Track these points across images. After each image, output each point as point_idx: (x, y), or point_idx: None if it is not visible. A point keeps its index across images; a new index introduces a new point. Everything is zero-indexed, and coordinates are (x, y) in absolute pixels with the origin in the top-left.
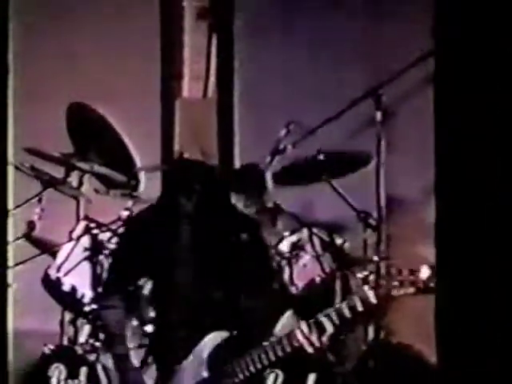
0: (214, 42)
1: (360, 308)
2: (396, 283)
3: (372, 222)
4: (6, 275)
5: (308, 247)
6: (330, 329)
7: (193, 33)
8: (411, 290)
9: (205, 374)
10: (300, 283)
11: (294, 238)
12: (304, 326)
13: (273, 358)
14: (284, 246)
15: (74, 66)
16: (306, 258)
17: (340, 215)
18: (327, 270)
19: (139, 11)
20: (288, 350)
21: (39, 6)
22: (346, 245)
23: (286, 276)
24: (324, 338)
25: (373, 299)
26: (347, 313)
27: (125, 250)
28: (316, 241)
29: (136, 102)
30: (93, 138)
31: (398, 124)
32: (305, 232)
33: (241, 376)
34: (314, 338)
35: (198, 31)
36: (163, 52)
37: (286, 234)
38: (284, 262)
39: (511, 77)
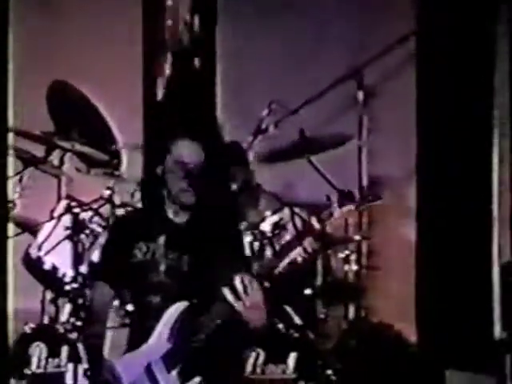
0: (197, 20)
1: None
2: (335, 205)
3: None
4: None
5: (290, 227)
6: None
7: (174, 12)
8: (350, 206)
9: (165, 340)
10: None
11: (275, 217)
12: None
13: (213, 323)
14: (266, 226)
15: (57, 44)
16: (287, 237)
17: (321, 195)
18: (309, 249)
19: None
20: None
21: None
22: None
23: (268, 255)
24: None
25: (316, 225)
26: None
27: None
28: (297, 220)
29: (118, 80)
30: (74, 116)
31: (380, 104)
32: (286, 212)
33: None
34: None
35: (180, 10)
36: (145, 31)
37: (268, 213)
38: (266, 242)
39: (493, 57)
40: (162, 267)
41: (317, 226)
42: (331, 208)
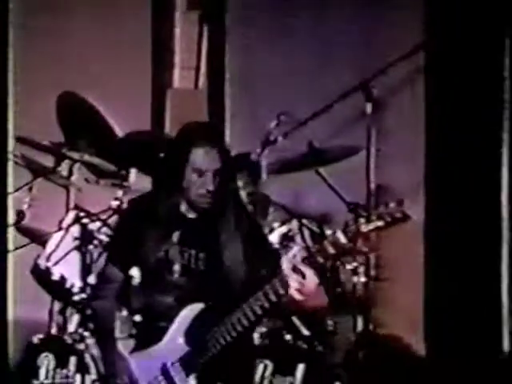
0: (205, 32)
1: (332, 251)
2: (362, 220)
3: (362, 212)
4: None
5: (298, 238)
6: (308, 272)
7: (184, 23)
8: (379, 223)
9: (181, 341)
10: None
11: (283, 229)
12: (288, 271)
13: (252, 317)
14: (274, 238)
15: (66, 56)
16: (295, 249)
17: (330, 206)
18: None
19: (131, 2)
20: (273, 299)
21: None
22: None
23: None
24: (308, 281)
25: (343, 239)
26: (320, 259)
27: (117, 239)
28: (306, 232)
29: (127, 92)
30: (83, 127)
31: (389, 116)
32: (295, 223)
33: (225, 339)
34: (298, 280)
35: (189, 22)
36: (154, 42)
37: (276, 225)
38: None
39: (500, 71)
40: (177, 266)
41: (343, 240)
42: (358, 223)
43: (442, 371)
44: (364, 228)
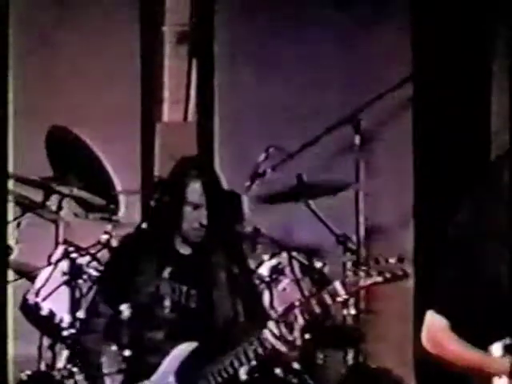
0: (194, 66)
1: (329, 301)
2: (362, 273)
3: (351, 245)
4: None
5: (287, 271)
6: (300, 321)
7: (173, 57)
8: (379, 279)
9: (171, 380)
10: (279, 307)
11: (273, 261)
12: (272, 324)
13: (245, 362)
14: (264, 270)
15: (55, 90)
16: (285, 281)
17: (319, 239)
18: (306, 293)
19: (120, 36)
20: (260, 352)
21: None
22: (326, 268)
23: (266, 300)
24: (295, 333)
25: (341, 291)
26: (316, 308)
27: (107, 275)
28: (295, 265)
29: (116, 125)
30: (72, 161)
31: (377, 148)
32: (284, 256)
33: (219, 379)
34: (283, 334)
35: (178, 56)
36: (143, 76)
37: (266, 257)
38: (263, 286)
39: (488, 103)
40: (167, 302)
41: (341, 292)
42: (357, 276)
43: None
44: (363, 282)
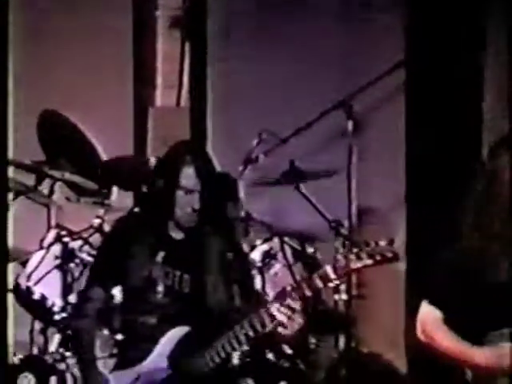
0: (187, 50)
1: (320, 285)
2: (353, 257)
3: (343, 230)
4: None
5: (279, 256)
6: (296, 304)
7: (166, 42)
8: (369, 261)
9: (164, 364)
10: (271, 292)
11: (265, 246)
12: (273, 307)
13: (237, 346)
14: (256, 255)
15: (48, 75)
16: (277, 266)
17: (311, 224)
18: (298, 278)
19: (113, 20)
20: (252, 336)
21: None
22: (318, 253)
23: (258, 284)
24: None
25: (332, 275)
26: (307, 292)
27: (100, 259)
28: (287, 250)
29: (109, 110)
30: (64, 145)
31: (370, 133)
32: (276, 241)
33: (211, 363)
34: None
35: (171, 40)
36: (136, 61)
37: (258, 242)
38: (255, 271)
39: (480, 88)
40: (161, 287)
41: (332, 276)
42: (348, 260)
43: None
44: (353, 265)
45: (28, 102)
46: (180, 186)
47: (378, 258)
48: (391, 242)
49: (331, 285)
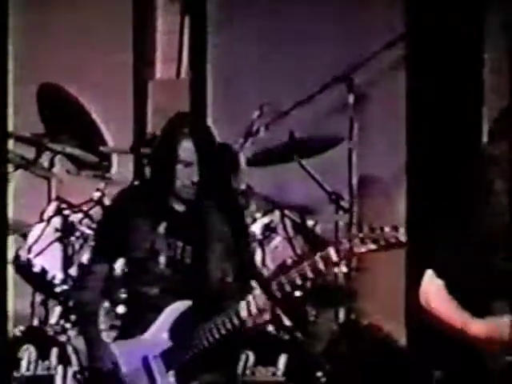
0: (187, 23)
1: (322, 266)
2: (357, 241)
3: (344, 203)
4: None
5: (280, 229)
6: (278, 295)
7: (165, 14)
8: (373, 246)
9: (165, 336)
10: (271, 265)
11: (265, 219)
12: (250, 300)
13: (217, 334)
14: (256, 228)
15: (47, 49)
16: (277, 239)
17: (312, 197)
18: (298, 252)
19: None
20: (232, 326)
21: None
22: (318, 227)
23: (258, 257)
24: (266, 311)
25: (334, 257)
26: (309, 273)
27: (101, 230)
28: (288, 223)
29: (108, 83)
30: (64, 118)
31: (371, 106)
32: (277, 214)
33: (208, 340)
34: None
35: (171, 12)
36: (136, 34)
37: (258, 215)
38: (256, 244)
39: (481, 61)
40: (163, 258)
41: (335, 258)
42: (352, 243)
43: (422, 360)
44: (357, 249)
45: (28, 75)
46: (179, 159)
47: (383, 243)
48: (396, 228)
49: (334, 267)
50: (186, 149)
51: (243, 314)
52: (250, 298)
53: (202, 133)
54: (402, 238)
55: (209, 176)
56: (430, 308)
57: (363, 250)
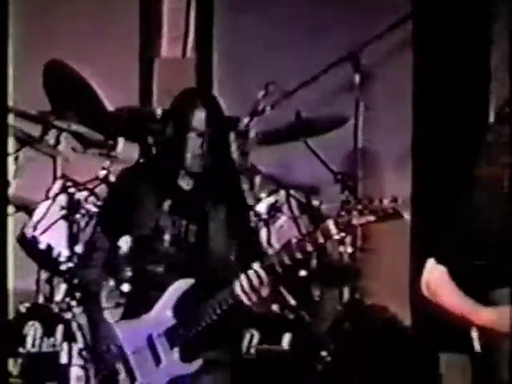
0: (193, 1)
1: (321, 240)
2: (355, 212)
3: (349, 183)
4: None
5: (285, 209)
6: (279, 270)
7: None
8: (371, 218)
9: (169, 314)
10: (277, 244)
11: (271, 199)
12: (243, 277)
13: (219, 311)
14: (261, 208)
15: (53, 26)
16: (282, 219)
17: (317, 177)
18: (304, 231)
19: None
20: (230, 302)
21: None
22: (323, 206)
23: (264, 237)
24: (264, 288)
25: (333, 230)
26: (309, 247)
27: (106, 207)
28: (293, 202)
29: (114, 61)
30: (70, 96)
31: (377, 86)
32: (282, 193)
33: (211, 317)
34: (252, 288)
35: None
36: (142, 12)
37: (263, 195)
38: (261, 224)
39: (490, 39)
40: (167, 235)
41: (334, 231)
42: (351, 215)
43: (427, 341)
44: (356, 221)
45: (34, 52)
46: (192, 127)
47: (381, 214)
48: (395, 200)
49: (334, 238)
50: (199, 118)
51: (237, 290)
52: (249, 273)
53: (213, 104)
54: (401, 208)
55: (218, 148)
56: (433, 295)
57: (362, 221)
